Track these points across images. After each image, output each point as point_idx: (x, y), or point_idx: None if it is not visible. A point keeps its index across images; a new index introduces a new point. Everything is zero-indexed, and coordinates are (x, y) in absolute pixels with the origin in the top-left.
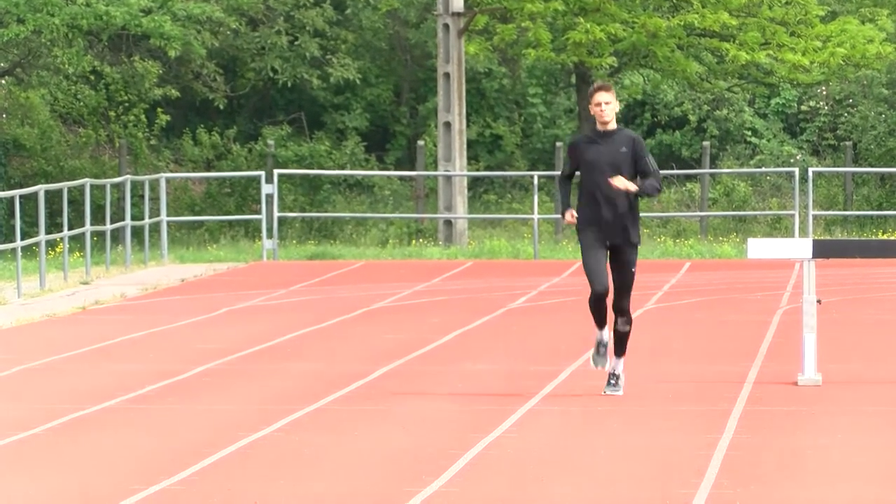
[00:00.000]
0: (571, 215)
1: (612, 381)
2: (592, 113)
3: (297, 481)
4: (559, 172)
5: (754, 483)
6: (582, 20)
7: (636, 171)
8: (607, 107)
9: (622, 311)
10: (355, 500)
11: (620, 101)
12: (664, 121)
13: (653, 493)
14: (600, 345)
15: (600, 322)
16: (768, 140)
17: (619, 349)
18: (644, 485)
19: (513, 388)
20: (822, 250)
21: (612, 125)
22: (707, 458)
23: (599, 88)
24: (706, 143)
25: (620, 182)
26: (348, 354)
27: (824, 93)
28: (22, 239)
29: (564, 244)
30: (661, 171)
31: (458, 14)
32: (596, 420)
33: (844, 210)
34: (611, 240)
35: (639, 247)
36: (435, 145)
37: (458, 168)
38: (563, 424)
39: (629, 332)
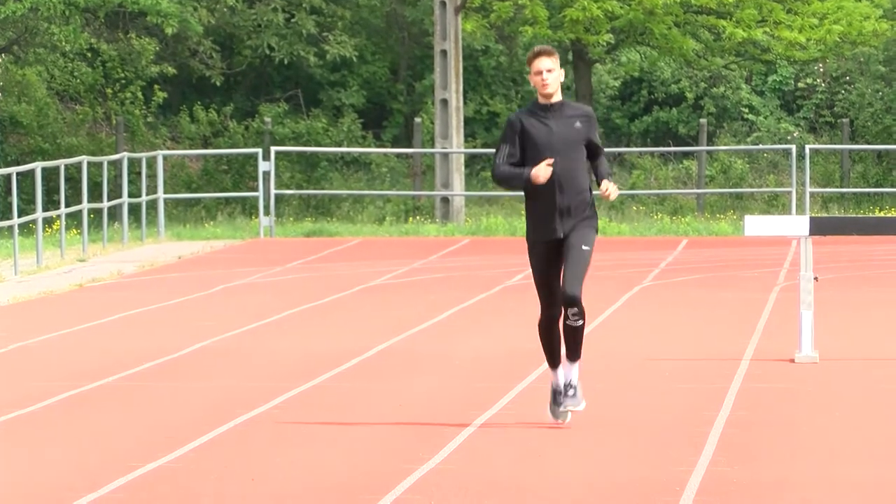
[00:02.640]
0: (548, 163)
1: (570, 393)
2: (533, 83)
3: (293, 458)
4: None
5: (751, 460)
6: None
7: (587, 149)
8: (549, 75)
9: (572, 300)
10: (353, 476)
11: (617, 78)
12: (661, 98)
13: (650, 470)
14: (556, 393)
15: (552, 358)
16: (765, 117)
17: (573, 352)
18: (641, 462)
19: (510, 364)
20: (819, 227)
21: (557, 96)
22: (704, 435)
23: (539, 53)
24: (703, 121)
25: (614, 191)
26: (345, 331)
27: (821, 70)
28: (19, 216)
29: None
30: (659, 148)
31: None
32: (593, 397)
33: (841, 187)
34: (566, 230)
35: (597, 227)
36: (432, 122)
37: (455, 145)
38: None
39: (582, 327)
